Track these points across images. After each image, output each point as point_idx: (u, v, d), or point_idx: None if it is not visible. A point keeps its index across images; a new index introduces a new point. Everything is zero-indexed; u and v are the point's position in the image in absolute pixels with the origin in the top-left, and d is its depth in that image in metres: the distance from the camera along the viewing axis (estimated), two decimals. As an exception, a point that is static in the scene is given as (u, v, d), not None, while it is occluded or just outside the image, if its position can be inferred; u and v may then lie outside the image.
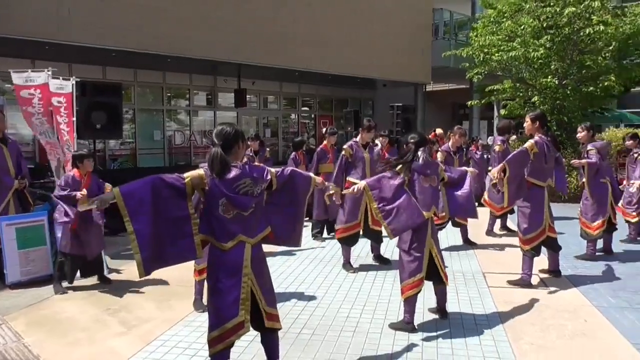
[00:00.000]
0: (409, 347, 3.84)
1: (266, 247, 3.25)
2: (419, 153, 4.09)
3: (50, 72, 6.23)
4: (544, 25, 11.14)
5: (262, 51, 13.95)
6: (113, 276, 5.84)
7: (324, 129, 8.38)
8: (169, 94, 16.26)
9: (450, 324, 4.26)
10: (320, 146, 7.77)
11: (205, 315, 3.13)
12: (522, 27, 11.49)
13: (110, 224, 7.03)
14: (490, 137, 22.07)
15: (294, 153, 8.78)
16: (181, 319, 4.48)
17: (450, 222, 7.09)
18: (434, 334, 4.07)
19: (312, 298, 5.01)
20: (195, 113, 17.09)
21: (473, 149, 9.06)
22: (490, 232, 7.76)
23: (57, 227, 5.35)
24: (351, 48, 16.34)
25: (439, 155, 7.25)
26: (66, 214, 5.21)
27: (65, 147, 6.18)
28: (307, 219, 7.54)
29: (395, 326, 4.19)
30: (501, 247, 7.06)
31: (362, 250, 6.63)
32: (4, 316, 4.61)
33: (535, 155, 5.02)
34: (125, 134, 14.43)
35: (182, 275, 5.57)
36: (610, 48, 11.45)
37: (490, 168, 7.98)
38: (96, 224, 5.47)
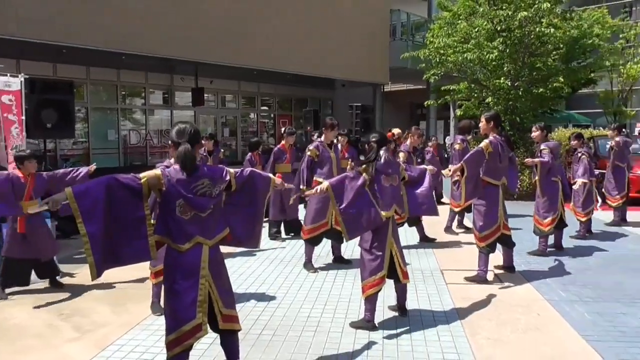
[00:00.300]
0: (370, 345, 3.87)
1: (226, 248, 3.21)
2: (381, 152, 4.13)
3: (-5, 69, 5.97)
4: (497, 28, 11.46)
5: (219, 49, 13.78)
6: (66, 280, 5.63)
7: (283, 129, 8.35)
8: (123, 93, 15.82)
9: (409, 321, 4.32)
10: (278, 146, 7.73)
11: (163, 318, 3.06)
12: (476, 30, 11.79)
13: (62, 226, 6.79)
14: (448, 137, 22.59)
15: (250, 154, 8.70)
16: (138, 323, 4.37)
17: (407, 222, 7.17)
18: (394, 331, 4.11)
19: (272, 299, 4.98)
20: (152, 112, 16.72)
21: (430, 149, 9.24)
22: (448, 228, 7.94)
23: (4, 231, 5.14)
24: (310, 48, 16.36)
25: (401, 155, 7.35)
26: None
27: (10, 148, 5.91)
28: (265, 219, 7.54)
29: (356, 325, 4.22)
30: (458, 244, 7.22)
31: (322, 249, 6.64)
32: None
33: (490, 154, 5.17)
34: (78, 133, 13.96)
35: (139, 278, 5.46)
36: (559, 51, 11.91)
37: (450, 166, 8.17)
38: (45, 227, 5.27)
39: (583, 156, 7.32)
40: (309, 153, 6.05)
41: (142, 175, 2.86)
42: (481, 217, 5.30)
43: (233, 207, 3.18)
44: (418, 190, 4.41)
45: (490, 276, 5.46)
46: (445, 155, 9.11)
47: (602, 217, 8.69)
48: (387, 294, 4.58)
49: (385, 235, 4.12)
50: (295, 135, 7.99)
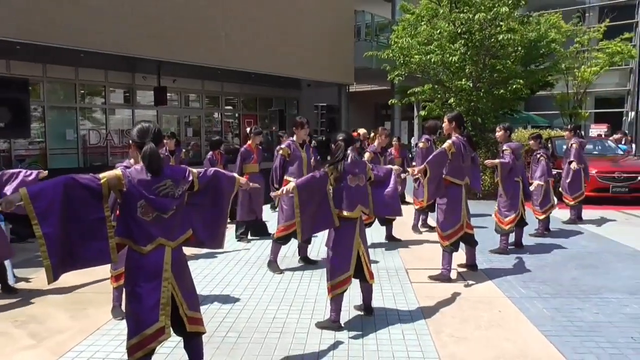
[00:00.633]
0: (336, 345, 3.87)
1: (190, 249, 3.15)
2: (348, 152, 4.14)
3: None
4: (459, 30, 11.68)
5: (183, 48, 13.56)
6: (21, 285, 5.42)
7: (248, 129, 8.28)
8: (82, 91, 15.39)
9: (375, 320, 4.35)
10: (245, 146, 7.67)
11: (124, 323, 2.98)
12: (438, 32, 11.99)
13: (17, 230, 6.55)
14: (413, 138, 22.91)
15: (211, 152, 8.61)
16: (98, 328, 4.24)
17: (377, 220, 7.23)
18: (360, 331, 4.12)
19: (237, 300, 4.92)
20: (112, 111, 16.32)
21: (391, 149, 9.33)
22: (415, 227, 8.04)
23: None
24: (274, 47, 16.29)
25: (366, 155, 7.39)
26: None
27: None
28: (232, 221, 7.47)
29: (321, 325, 4.21)
30: (423, 243, 7.31)
31: (288, 250, 6.61)
32: None
33: (453, 154, 5.26)
34: (34, 132, 13.50)
35: (99, 283, 5.31)
36: (518, 54, 12.23)
37: (414, 164, 8.27)
38: None
39: (541, 157, 7.54)
40: (281, 152, 6.01)
41: (101, 175, 2.77)
42: (445, 216, 5.38)
43: (196, 208, 3.12)
44: (383, 191, 4.41)
45: (453, 274, 5.55)
46: (410, 155, 9.22)
47: (559, 215, 8.97)
48: (353, 294, 4.59)
49: (352, 236, 4.12)
50: (262, 134, 7.94)
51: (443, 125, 5.58)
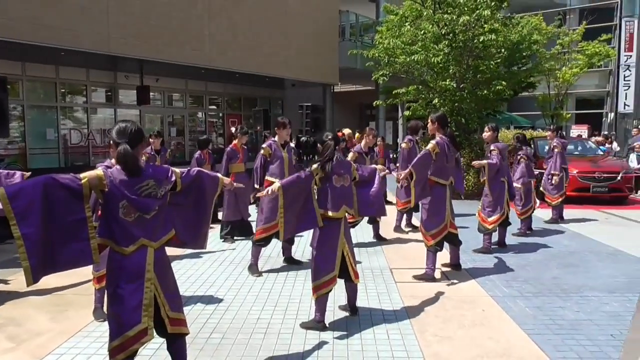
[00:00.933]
0: (320, 345, 3.86)
1: (174, 250, 3.11)
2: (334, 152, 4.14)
3: None
4: (442, 31, 11.76)
5: (166, 47, 13.43)
6: (-1, 287, 5.33)
7: (233, 128, 8.25)
8: (63, 90, 15.15)
9: (359, 320, 4.35)
10: (231, 146, 7.63)
11: (107, 324, 2.93)
12: (422, 32, 12.06)
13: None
14: (400, 139, 22.99)
15: (198, 152, 8.55)
16: (79, 330, 4.17)
17: (365, 219, 7.23)
18: (345, 331, 4.12)
19: (221, 301, 4.89)
20: (94, 110, 16.09)
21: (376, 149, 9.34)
22: (397, 228, 8.06)
23: None
24: (259, 47, 16.23)
25: (350, 155, 7.40)
26: None
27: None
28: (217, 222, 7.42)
29: (306, 325, 4.20)
30: (407, 243, 7.34)
31: (273, 250, 6.59)
32: None
33: (437, 155, 5.28)
34: (13, 132, 13.24)
35: (80, 283, 5.23)
36: (501, 55, 12.35)
37: (397, 165, 8.31)
38: None
39: (522, 159, 7.63)
40: (262, 152, 5.98)
41: (82, 175, 2.73)
42: (429, 216, 5.40)
43: (179, 208, 3.08)
44: (367, 191, 4.41)
45: (437, 274, 5.58)
46: (394, 155, 9.27)
47: (541, 215, 9.08)
48: (338, 294, 4.59)
49: (337, 236, 4.12)
50: (248, 134, 7.92)
51: (428, 125, 5.60)
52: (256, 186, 5.81)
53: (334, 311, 4.50)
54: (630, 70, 22.39)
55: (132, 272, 2.82)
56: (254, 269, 5.81)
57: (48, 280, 2.71)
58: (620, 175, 10.96)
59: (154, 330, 2.91)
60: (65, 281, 5.18)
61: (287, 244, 6.19)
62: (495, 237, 6.86)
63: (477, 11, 11.05)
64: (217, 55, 14.95)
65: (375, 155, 8.69)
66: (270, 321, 4.37)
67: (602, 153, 13.20)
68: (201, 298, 4.97)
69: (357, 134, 12.95)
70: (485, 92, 11.88)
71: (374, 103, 15.08)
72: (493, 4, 11.40)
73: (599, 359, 3.66)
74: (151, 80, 16.14)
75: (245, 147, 7.70)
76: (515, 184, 7.39)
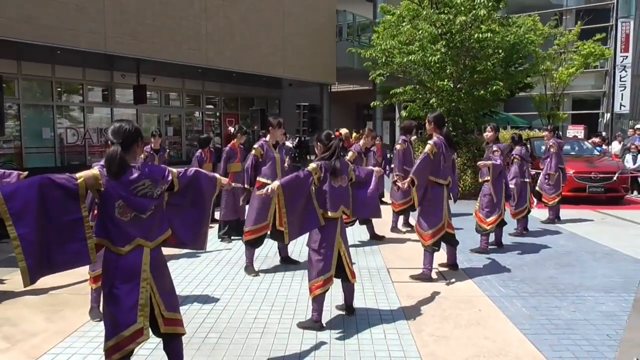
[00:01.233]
0: (317, 346, 3.86)
1: (170, 249, 3.10)
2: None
3: None
4: (439, 31, 11.77)
5: (163, 46, 13.41)
6: (-5, 287, 5.30)
7: (232, 128, 8.24)
8: (59, 89, 15.12)
9: (356, 320, 4.35)
10: (229, 145, 7.62)
11: (103, 324, 2.92)
12: (420, 32, 12.06)
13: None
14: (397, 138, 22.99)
15: (200, 150, 8.51)
16: (75, 330, 4.16)
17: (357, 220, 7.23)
18: (342, 331, 4.12)
19: (218, 301, 4.88)
20: (90, 110, 16.07)
21: (374, 149, 9.35)
22: (394, 228, 8.06)
23: None
24: (256, 46, 16.23)
25: (350, 154, 7.40)
26: None
27: None
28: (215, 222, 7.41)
29: (303, 325, 4.20)
30: (404, 242, 7.35)
31: (270, 250, 6.58)
32: None
33: (435, 155, 5.29)
34: (9, 131, 13.20)
35: (76, 284, 5.21)
36: (498, 55, 12.37)
37: (392, 166, 8.30)
38: None
39: (515, 159, 7.65)
40: (253, 152, 5.94)
41: (78, 175, 2.71)
42: (426, 216, 5.41)
43: (177, 208, 3.07)
44: (363, 192, 4.40)
45: (434, 274, 5.58)
46: (390, 155, 9.28)
47: (538, 215, 9.10)
48: (335, 294, 4.58)
49: (333, 236, 4.12)
50: (247, 134, 7.92)
51: (426, 125, 5.60)
52: (247, 186, 5.77)
53: (331, 311, 4.49)
54: (626, 71, 22.48)
55: (128, 272, 2.81)
56: (250, 269, 5.80)
57: (44, 280, 2.69)
58: (616, 175, 10.99)
59: (150, 330, 2.90)
60: (61, 281, 5.16)
61: (283, 244, 6.17)
62: (492, 237, 6.87)
63: (474, 11, 11.06)
64: (214, 54, 14.94)
65: (374, 155, 8.71)
66: (267, 321, 4.36)
67: (598, 154, 13.24)
68: (198, 298, 4.96)
69: (354, 134, 12.94)
70: (482, 92, 11.89)
71: (372, 104, 15.09)
72: (490, 4, 11.41)
73: (595, 359, 3.67)
74: (148, 79, 16.13)
75: (242, 146, 7.69)
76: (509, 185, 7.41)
